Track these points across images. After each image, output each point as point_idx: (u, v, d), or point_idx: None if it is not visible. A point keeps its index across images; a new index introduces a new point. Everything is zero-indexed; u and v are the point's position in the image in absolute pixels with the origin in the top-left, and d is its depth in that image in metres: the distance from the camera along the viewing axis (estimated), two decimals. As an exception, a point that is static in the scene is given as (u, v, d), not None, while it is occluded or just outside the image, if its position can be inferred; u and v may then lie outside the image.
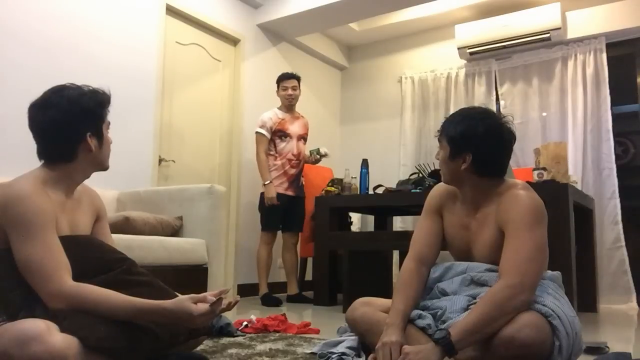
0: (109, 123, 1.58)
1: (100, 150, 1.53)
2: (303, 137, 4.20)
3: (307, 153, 4.22)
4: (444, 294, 1.66)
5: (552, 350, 1.42)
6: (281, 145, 4.07)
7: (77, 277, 1.36)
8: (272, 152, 4.06)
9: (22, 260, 1.33)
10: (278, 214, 4.02)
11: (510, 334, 1.39)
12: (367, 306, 1.76)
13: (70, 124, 1.46)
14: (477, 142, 1.62)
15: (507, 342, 1.39)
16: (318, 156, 4.16)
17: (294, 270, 4.15)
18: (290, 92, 4.13)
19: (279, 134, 4.08)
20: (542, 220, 1.57)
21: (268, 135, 4.05)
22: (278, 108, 4.18)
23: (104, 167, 1.58)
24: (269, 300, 3.83)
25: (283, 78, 4.19)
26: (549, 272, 1.65)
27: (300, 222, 4.16)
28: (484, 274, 1.61)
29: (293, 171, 4.08)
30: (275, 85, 4.23)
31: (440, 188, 1.83)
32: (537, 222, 1.55)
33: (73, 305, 1.30)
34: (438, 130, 1.75)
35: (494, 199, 1.66)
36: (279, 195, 3.96)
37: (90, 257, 1.45)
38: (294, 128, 4.14)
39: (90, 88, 1.53)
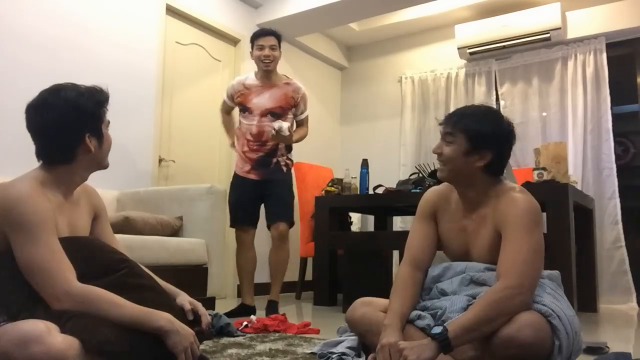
0: (109, 122, 1.57)
1: (100, 150, 1.52)
2: (272, 112, 3.17)
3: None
4: (444, 293, 1.65)
5: (552, 350, 1.42)
6: (243, 122, 3.25)
7: (78, 279, 1.35)
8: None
9: (26, 263, 1.32)
10: (243, 205, 3.23)
11: (510, 333, 1.39)
12: (367, 306, 1.75)
13: (68, 126, 1.44)
14: (502, 141, 1.64)
15: (507, 342, 1.39)
16: (274, 132, 3.06)
17: (275, 272, 3.27)
18: (267, 51, 3.17)
19: (240, 107, 3.27)
20: (539, 223, 1.58)
21: (229, 102, 3.35)
22: (255, 73, 3.31)
23: (103, 166, 1.57)
24: (239, 311, 3.10)
25: (258, 35, 3.25)
26: (547, 271, 1.65)
27: (283, 209, 3.22)
28: (484, 273, 1.61)
29: (253, 155, 3.21)
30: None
31: (433, 192, 1.83)
32: (535, 225, 1.56)
33: (80, 306, 1.30)
34: (441, 123, 1.74)
35: (491, 200, 1.66)
36: (238, 178, 3.26)
37: (91, 258, 1.44)
38: (260, 101, 3.19)
39: (88, 87, 1.50)
